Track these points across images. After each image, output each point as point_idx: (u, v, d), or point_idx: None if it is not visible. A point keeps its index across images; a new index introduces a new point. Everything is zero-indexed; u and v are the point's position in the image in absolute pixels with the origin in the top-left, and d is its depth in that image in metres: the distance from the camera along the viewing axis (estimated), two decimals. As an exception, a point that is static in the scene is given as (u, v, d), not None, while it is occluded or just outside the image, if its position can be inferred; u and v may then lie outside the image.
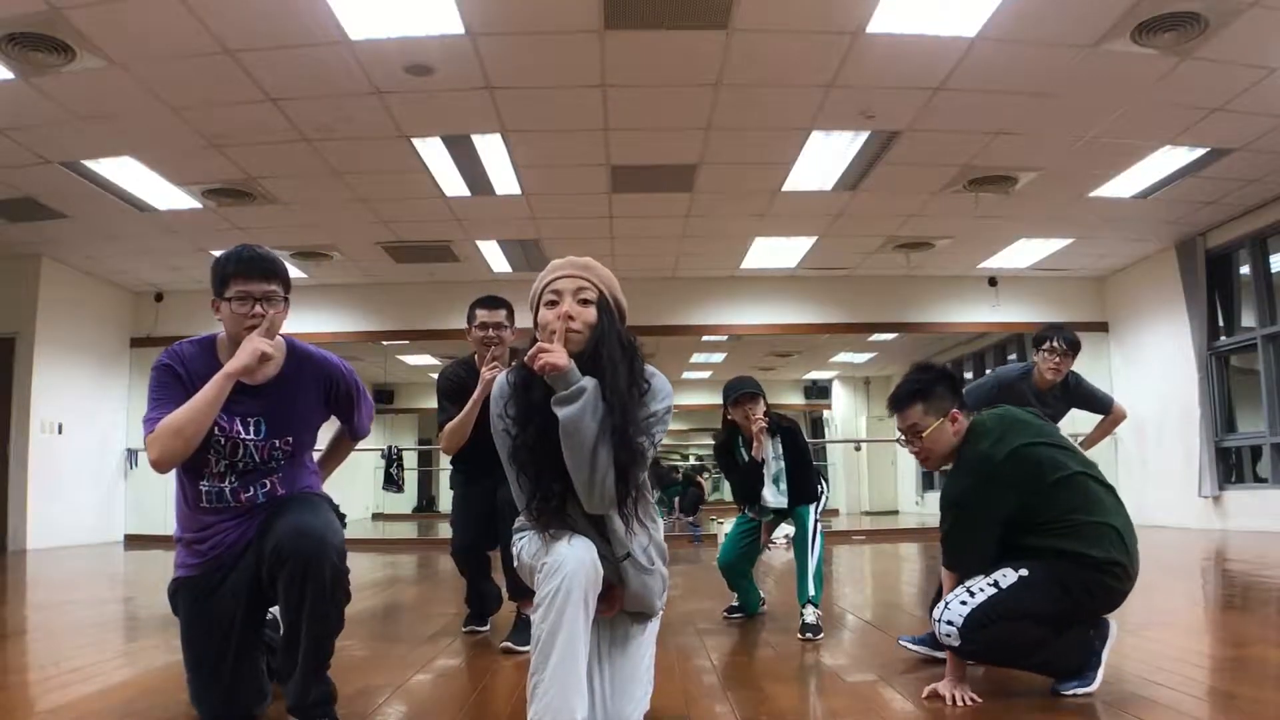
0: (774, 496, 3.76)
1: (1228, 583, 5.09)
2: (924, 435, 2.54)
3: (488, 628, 3.69)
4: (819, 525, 3.73)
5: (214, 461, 2.17)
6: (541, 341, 1.79)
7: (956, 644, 2.32)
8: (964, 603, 2.34)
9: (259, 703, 2.20)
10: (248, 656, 2.18)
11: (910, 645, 3.02)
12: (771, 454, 3.76)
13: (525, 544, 1.98)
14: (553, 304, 1.82)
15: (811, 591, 3.53)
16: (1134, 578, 2.41)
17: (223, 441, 2.17)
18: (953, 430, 2.54)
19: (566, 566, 1.78)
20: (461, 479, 3.59)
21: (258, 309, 2.16)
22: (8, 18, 4.49)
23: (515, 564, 2.03)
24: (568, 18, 4.77)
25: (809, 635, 3.38)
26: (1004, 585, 2.34)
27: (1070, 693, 2.30)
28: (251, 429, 2.20)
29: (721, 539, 4.29)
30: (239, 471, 2.20)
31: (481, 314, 3.49)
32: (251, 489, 2.21)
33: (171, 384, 2.15)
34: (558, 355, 1.75)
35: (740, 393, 3.75)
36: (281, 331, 2.27)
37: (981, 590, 2.35)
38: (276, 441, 2.23)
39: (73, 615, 4.40)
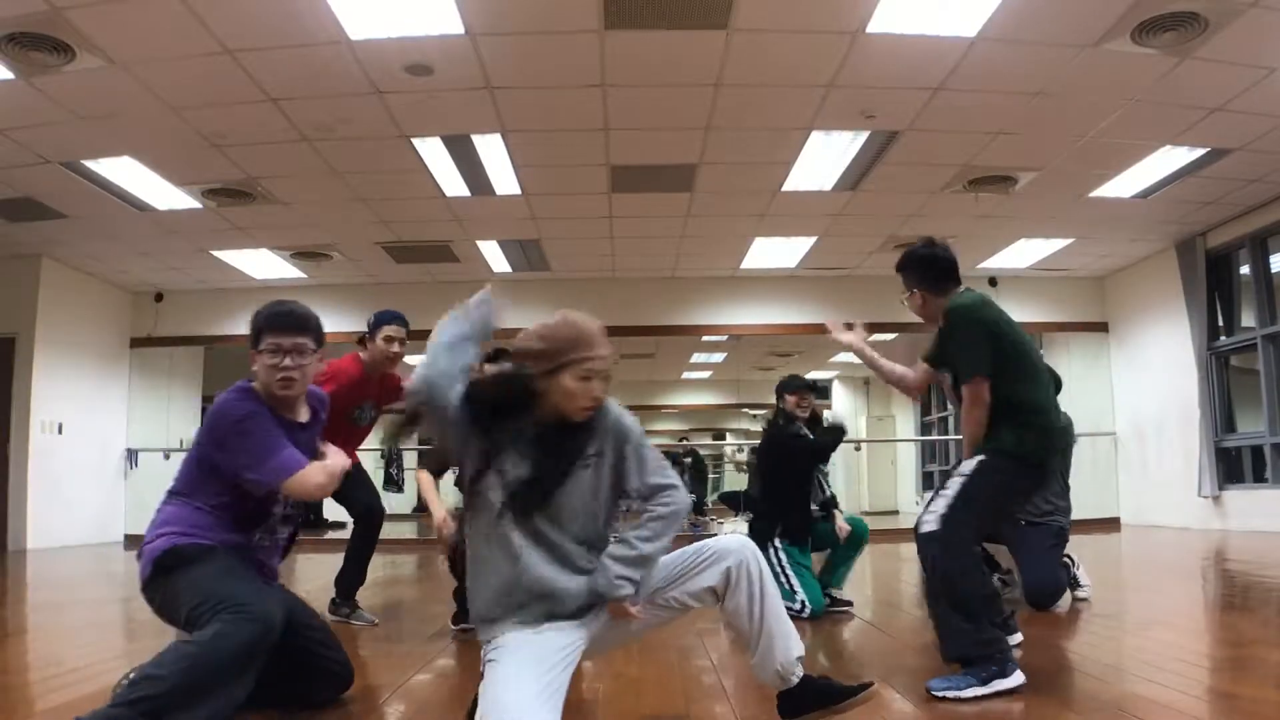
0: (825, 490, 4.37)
1: (1228, 583, 5.08)
2: (904, 300, 2.99)
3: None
4: None
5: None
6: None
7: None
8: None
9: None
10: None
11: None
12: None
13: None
14: (586, 380, 1.93)
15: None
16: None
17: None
18: (917, 305, 2.92)
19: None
20: None
21: (286, 361, 2.32)
22: (8, 18, 4.49)
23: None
24: (568, 18, 4.77)
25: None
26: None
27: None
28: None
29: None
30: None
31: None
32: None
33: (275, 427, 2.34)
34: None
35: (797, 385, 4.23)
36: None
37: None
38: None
39: (73, 615, 4.40)
